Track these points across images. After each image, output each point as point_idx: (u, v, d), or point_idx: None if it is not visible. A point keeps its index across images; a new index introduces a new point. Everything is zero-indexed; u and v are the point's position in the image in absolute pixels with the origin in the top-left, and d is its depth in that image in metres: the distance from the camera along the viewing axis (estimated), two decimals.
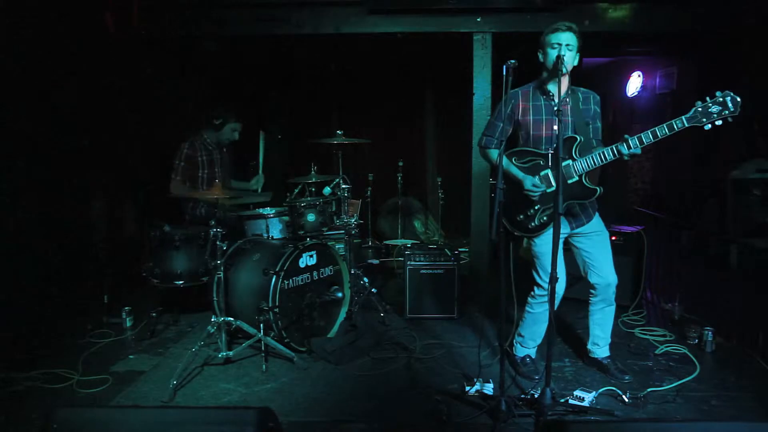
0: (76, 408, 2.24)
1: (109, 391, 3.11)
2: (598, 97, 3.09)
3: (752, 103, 5.09)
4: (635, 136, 2.72)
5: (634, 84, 7.56)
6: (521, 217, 3.06)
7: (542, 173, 3.01)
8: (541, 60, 2.96)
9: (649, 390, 2.99)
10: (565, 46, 2.84)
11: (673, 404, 2.90)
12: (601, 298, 3.15)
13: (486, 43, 4.74)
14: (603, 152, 2.83)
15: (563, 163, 2.88)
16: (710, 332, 3.58)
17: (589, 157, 2.86)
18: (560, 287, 3.08)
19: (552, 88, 2.98)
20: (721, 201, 5.59)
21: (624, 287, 4.34)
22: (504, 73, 2.66)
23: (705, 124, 2.63)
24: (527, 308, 3.24)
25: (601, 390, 2.98)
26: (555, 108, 2.83)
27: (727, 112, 2.58)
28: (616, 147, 2.78)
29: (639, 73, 7.42)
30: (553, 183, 2.97)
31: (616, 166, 8.52)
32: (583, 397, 2.83)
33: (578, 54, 2.94)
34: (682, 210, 6.44)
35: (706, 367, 3.32)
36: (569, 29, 2.86)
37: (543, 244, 3.06)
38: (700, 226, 6.01)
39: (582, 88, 3.07)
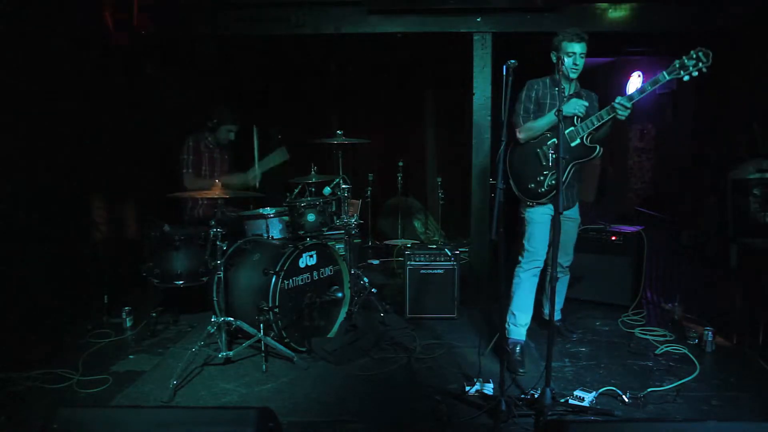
0: (76, 408, 2.24)
1: (109, 391, 3.11)
2: (597, 97, 3.50)
3: (752, 103, 5.11)
4: (625, 96, 3.07)
5: (634, 84, 7.55)
6: (532, 185, 3.32)
7: (549, 142, 3.30)
8: (554, 61, 3.24)
9: (649, 390, 2.99)
10: (579, 56, 3.20)
11: (673, 404, 2.90)
12: (558, 270, 3.42)
13: (486, 43, 4.74)
14: (599, 114, 3.17)
15: (566, 131, 3.24)
16: (710, 332, 3.58)
17: (588, 121, 3.21)
18: (543, 258, 3.37)
19: (562, 86, 3.28)
20: (721, 201, 5.58)
21: (624, 287, 4.35)
22: (504, 73, 2.68)
23: (684, 76, 2.96)
24: (514, 279, 3.43)
25: (601, 390, 2.98)
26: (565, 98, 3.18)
27: (701, 63, 2.91)
28: (610, 106, 3.12)
29: (639, 73, 7.42)
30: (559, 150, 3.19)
31: (616, 166, 8.51)
32: (583, 397, 2.83)
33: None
34: (682, 210, 6.44)
35: (706, 367, 3.32)
36: (583, 40, 3.20)
37: (539, 214, 3.36)
38: (700, 226, 6.01)
39: (584, 90, 3.42)
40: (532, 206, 3.37)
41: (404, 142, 7.32)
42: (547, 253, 3.34)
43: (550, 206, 3.33)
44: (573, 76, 3.23)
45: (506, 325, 3.43)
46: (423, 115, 7.44)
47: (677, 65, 2.96)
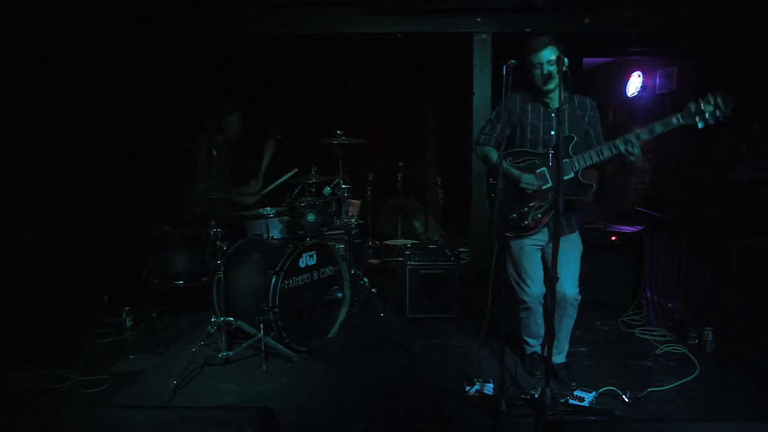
0: (76, 408, 2.24)
1: (109, 391, 3.11)
2: (594, 102, 3.10)
3: (752, 103, 5.11)
4: (632, 133, 2.77)
5: (634, 84, 7.55)
6: (514, 215, 3.06)
7: (538, 171, 3.02)
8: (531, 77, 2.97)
9: (649, 390, 2.99)
10: (546, 63, 2.86)
11: (673, 404, 2.90)
12: (560, 307, 3.04)
13: (486, 43, 4.74)
14: (601, 149, 2.86)
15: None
16: (710, 332, 3.58)
17: (586, 154, 2.89)
18: (539, 289, 3.11)
19: (546, 99, 3.01)
20: (722, 201, 5.58)
21: (624, 287, 4.35)
22: (504, 74, 2.68)
23: (698, 122, 2.71)
24: (519, 314, 3.24)
25: (601, 390, 2.98)
26: (553, 111, 2.81)
27: (719, 112, 2.68)
28: (613, 143, 2.82)
29: (639, 73, 7.42)
30: (549, 181, 2.99)
31: (616, 166, 8.51)
32: (583, 397, 2.83)
33: (565, 59, 2.86)
34: (682, 210, 6.44)
35: (706, 367, 3.32)
36: (547, 45, 2.86)
37: (523, 249, 3.10)
38: (700, 226, 6.01)
39: (578, 95, 3.08)
40: (512, 237, 3.10)
41: (404, 142, 7.31)
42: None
43: (535, 238, 3.06)
44: (549, 87, 2.89)
45: (523, 346, 3.36)
46: (423, 115, 7.45)
47: (692, 109, 2.70)
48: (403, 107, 7.22)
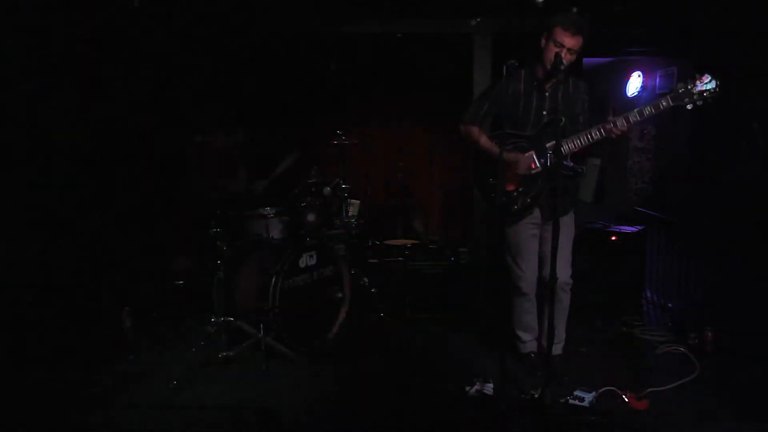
0: (77, 408, 2.25)
1: (109, 391, 3.11)
2: (588, 86, 3.10)
3: (752, 103, 5.11)
4: (621, 116, 2.77)
5: (634, 84, 7.55)
6: (504, 199, 3.04)
7: (526, 154, 2.99)
8: (542, 45, 2.90)
9: (649, 390, 2.98)
10: (567, 50, 2.80)
11: (673, 404, 2.90)
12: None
13: (486, 43, 4.74)
14: (590, 132, 2.84)
15: (548, 144, 2.91)
16: (710, 332, 3.57)
17: (576, 137, 2.87)
18: (534, 273, 3.12)
19: (544, 80, 2.98)
20: (722, 201, 5.58)
21: (624, 287, 4.35)
22: (504, 73, 2.68)
23: (687, 104, 2.70)
24: (514, 301, 3.24)
25: (601, 390, 2.98)
26: (547, 91, 2.81)
27: (707, 93, 2.67)
28: (602, 125, 2.81)
29: (639, 73, 7.42)
30: (538, 165, 2.97)
31: (616, 166, 8.52)
32: (583, 397, 2.83)
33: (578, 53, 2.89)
34: (681, 210, 6.44)
35: (706, 367, 3.31)
36: (578, 33, 2.80)
37: (518, 232, 3.09)
38: (700, 226, 6.01)
39: (573, 77, 3.04)
40: (505, 221, 3.09)
41: (404, 142, 7.30)
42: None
43: (528, 220, 3.05)
44: (557, 73, 2.75)
45: (516, 342, 3.33)
46: (423, 115, 7.44)
47: (682, 90, 2.70)
48: (403, 107, 7.22)
